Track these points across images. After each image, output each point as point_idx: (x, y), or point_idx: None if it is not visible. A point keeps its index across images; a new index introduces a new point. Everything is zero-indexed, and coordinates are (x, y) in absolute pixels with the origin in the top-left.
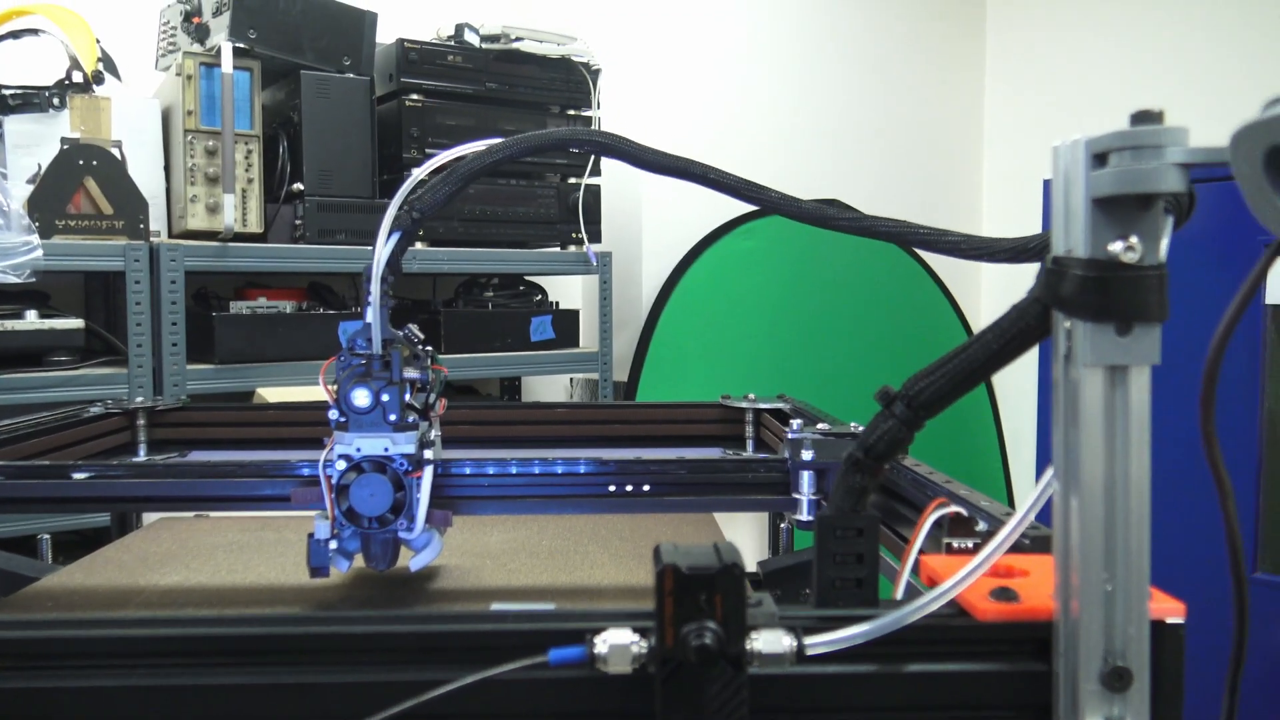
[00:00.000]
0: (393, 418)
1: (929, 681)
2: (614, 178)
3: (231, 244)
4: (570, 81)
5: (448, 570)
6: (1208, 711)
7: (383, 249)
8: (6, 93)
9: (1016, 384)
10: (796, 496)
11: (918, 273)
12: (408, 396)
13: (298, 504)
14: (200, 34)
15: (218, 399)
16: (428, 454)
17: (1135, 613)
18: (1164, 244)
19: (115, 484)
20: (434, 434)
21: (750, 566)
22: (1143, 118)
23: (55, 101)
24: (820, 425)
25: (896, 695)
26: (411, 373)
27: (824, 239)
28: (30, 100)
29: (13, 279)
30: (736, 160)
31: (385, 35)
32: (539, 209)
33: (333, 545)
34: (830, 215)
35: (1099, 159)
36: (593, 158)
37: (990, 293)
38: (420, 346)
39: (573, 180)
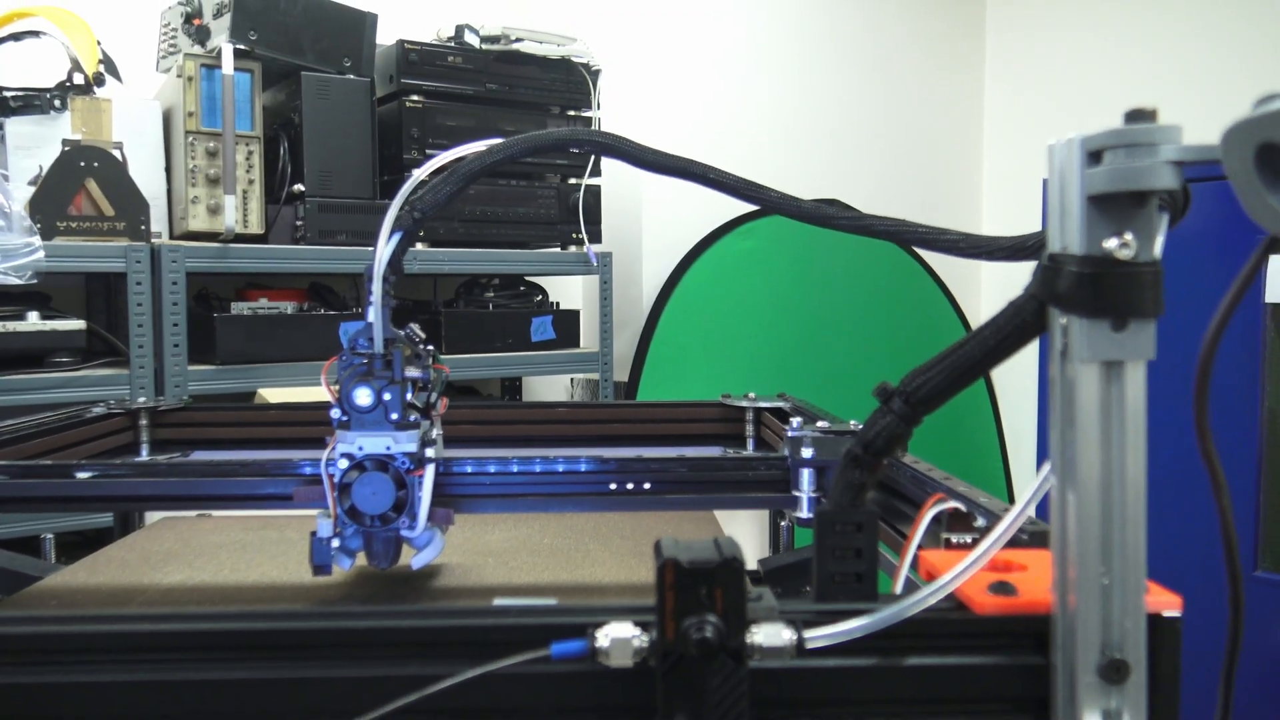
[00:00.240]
0: (394, 416)
1: (928, 675)
2: (614, 178)
3: (232, 245)
4: (570, 82)
5: (449, 568)
6: (1209, 710)
7: (384, 249)
8: (8, 94)
9: (1017, 384)
10: (796, 494)
11: (918, 272)
12: (409, 395)
13: (300, 503)
14: (201, 36)
15: (219, 400)
16: (429, 452)
17: (1132, 606)
18: (1159, 241)
19: (118, 483)
20: (435, 433)
21: (751, 565)
22: (1136, 116)
23: (56, 103)
24: (820, 423)
25: (896, 688)
26: (413, 372)
27: (824, 239)
28: (31, 102)
29: (14, 280)
30: (736, 160)
31: (385, 36)
32: (539, 209)
33: (335, 543)
34: (829, 214)
35: (1094, 157)
36: (593, 158)
37: (990, 292)
38: (422, 346)
39: (573, 181)
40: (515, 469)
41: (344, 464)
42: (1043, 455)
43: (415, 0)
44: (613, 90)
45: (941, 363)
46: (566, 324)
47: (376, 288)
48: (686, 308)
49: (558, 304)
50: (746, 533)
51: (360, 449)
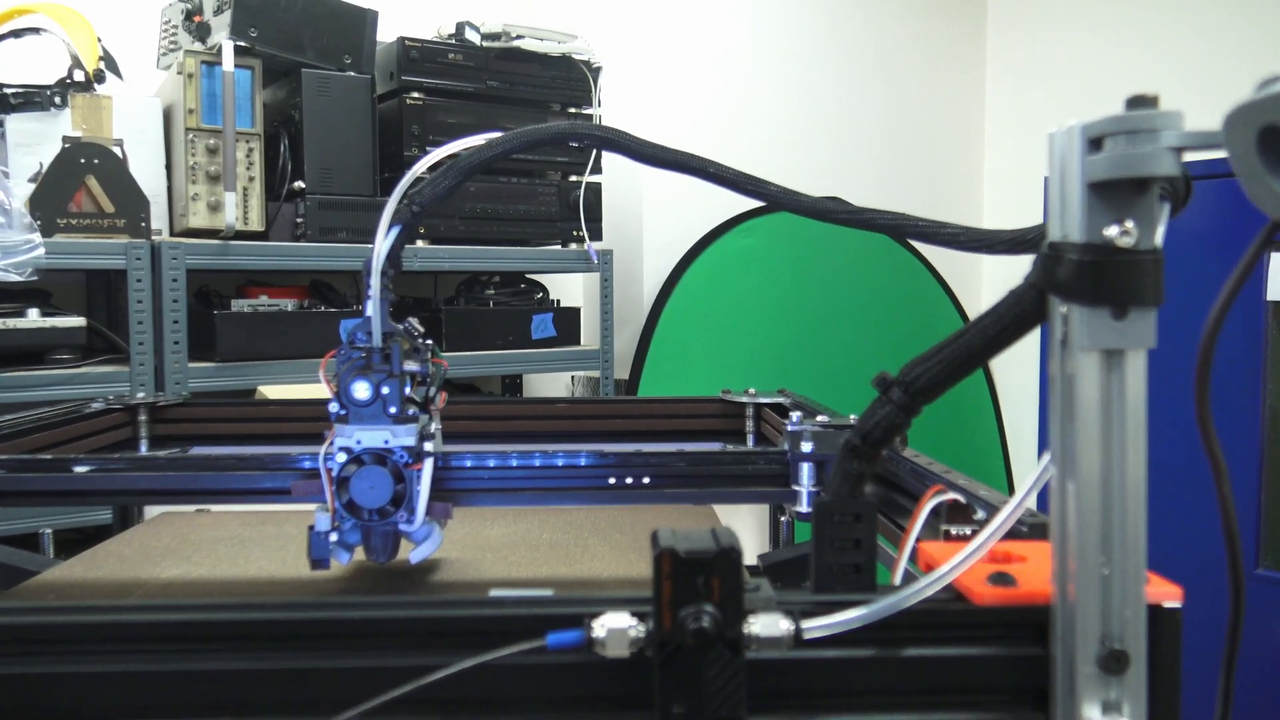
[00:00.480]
0: (393, 410)
1: (927, 666)
2: (615, 176)
3: (233, 242)
4: (571, 80)
5: (448, 563)
6: (1211, 710)
7: (382, 243)
8: (8, 91)
9: (1018, 383)
10: (796, 488)
11: (918, 270)
12: (408, 390)
13: (298, 496)
14: (201, 32)
15: (219, 397)
16: (428, 446)
17: (1132, 596)
18: (1160, 230)
19: (116, 477)
20: (434, 427)
21: (750, 560)
22: (1137, 102)
23: (57, 100)
24: (819, 417)
25: (894, 679)
26: (411, 365)
27: (825, 237)
28: (32, 99)
29: (14, 277)
30: (737, 158)
31: (386, 33)
32: (540, 207)
33: (333, 538)
34: (829, 208)
35: (1094, 144)
36: (593, 156)
37: (991, 288)
38: (420, 340)
39: (574, 178)
40: (514, 463)
41: (342, 458)
42: (1043, 451)
43: None
44: (613, 88)
45: (941, 352)
46: (567, 322)
47: (375, 281)
48: (687, 305)
49: (558, 301)
50: (746, 528)
51: (358, 443)
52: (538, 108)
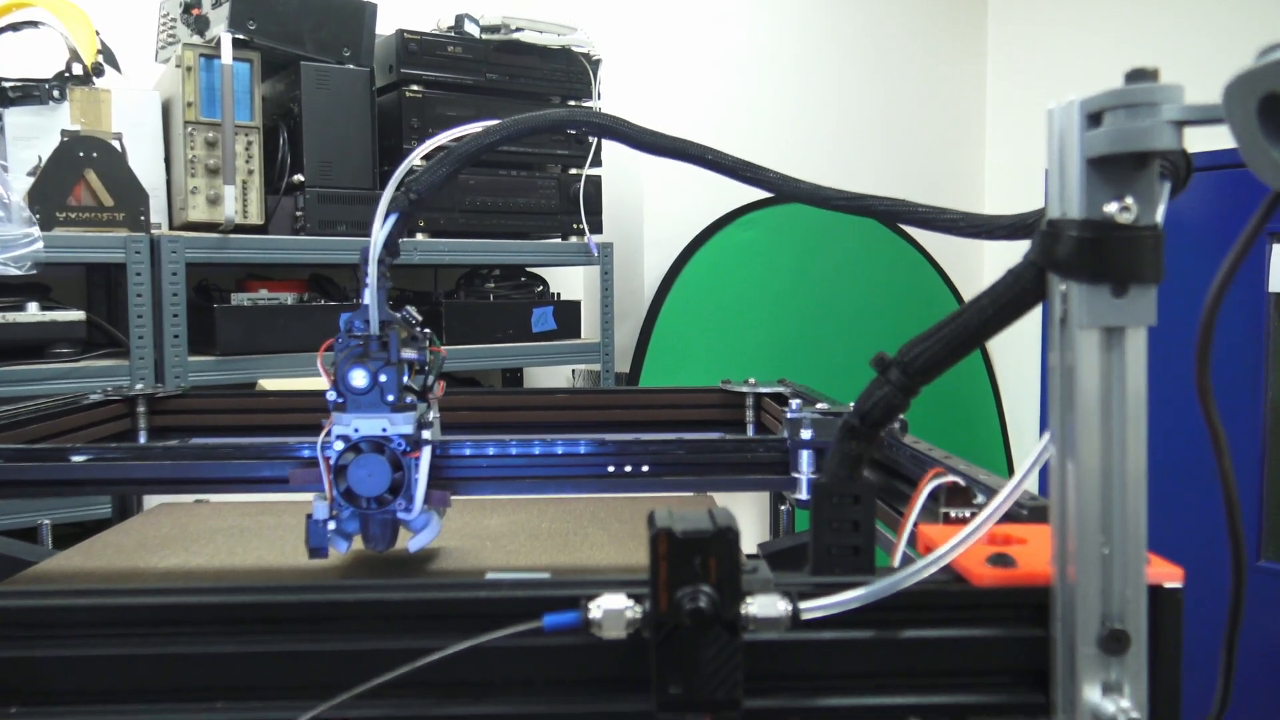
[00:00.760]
0: (390, 398)
1: (926, 647)
2: (615, 168)
3: (232, 236)
4: (571, 72)
5: (447, 552)
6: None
7: (380, 231)
8: (6, 85)
9: (1019, 372)
10: (796, 476)
11: (919, 262)
12: (406, 378)
13: (296, 485)
14: (200, 25)
15: (219, 390)
16: (426, 434)
17: (1132, 576)
18: (1161, 207)
19: (114, 466)
20: (432, 415)
21: (750, 548)
22: (1137, 75)
23: (55, 94)
24: (819, 405)
25: (893, 661)
26: (409, 353)
27: (825, 230)
28: (30, 93)
29: (14, 271)
30: (737, 151)
31: (385, 26)
32: (540, 200)
33: (331, 526)
34: (827, 194)
35: (1094, 119)
36: (593, 148)
37: (991, 279)
38: (418, 328)
39: (574, 171)
40: (513, 451)
41: (340, 446)
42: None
43: None
44: (613, 80)
45: (939, 332)
46: (567, 315)
47: (372, 269)
48: (688, 299)
49: (559, 295)
50: (746, 517)
51: (356, 431)
52: (537, 100)
